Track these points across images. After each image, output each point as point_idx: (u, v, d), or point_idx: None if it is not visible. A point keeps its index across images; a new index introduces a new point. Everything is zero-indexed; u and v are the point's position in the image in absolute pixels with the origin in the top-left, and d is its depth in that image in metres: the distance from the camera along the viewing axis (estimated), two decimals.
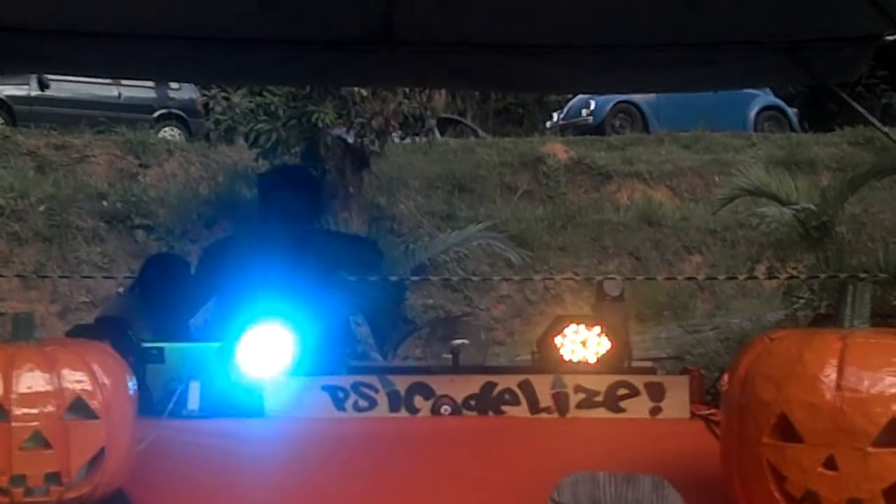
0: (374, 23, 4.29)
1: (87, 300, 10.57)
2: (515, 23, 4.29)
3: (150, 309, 4.80)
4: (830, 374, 2.29)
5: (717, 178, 13.18)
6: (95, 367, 2.48)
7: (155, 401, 2.84)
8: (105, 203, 12.20)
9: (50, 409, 2.39)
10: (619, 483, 2.50)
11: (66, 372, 2.44)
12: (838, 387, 2.28)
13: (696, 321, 10.34)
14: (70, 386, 2.43)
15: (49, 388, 2.41)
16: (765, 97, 17.13)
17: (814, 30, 4.44)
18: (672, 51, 4.67)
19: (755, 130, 16.68)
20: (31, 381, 2.40)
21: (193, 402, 2.82)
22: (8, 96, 15.22)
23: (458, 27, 4.40)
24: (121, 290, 7.69)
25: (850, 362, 2.29)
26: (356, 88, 10.37)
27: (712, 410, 2.86)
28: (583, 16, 4.22)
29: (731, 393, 2.48)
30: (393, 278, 7.85)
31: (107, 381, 2.48)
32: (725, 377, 2.55)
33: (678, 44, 4.62)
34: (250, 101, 11.06)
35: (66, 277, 10.35)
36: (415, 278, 8.64)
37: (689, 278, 10.83)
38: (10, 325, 2.61)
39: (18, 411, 2.37)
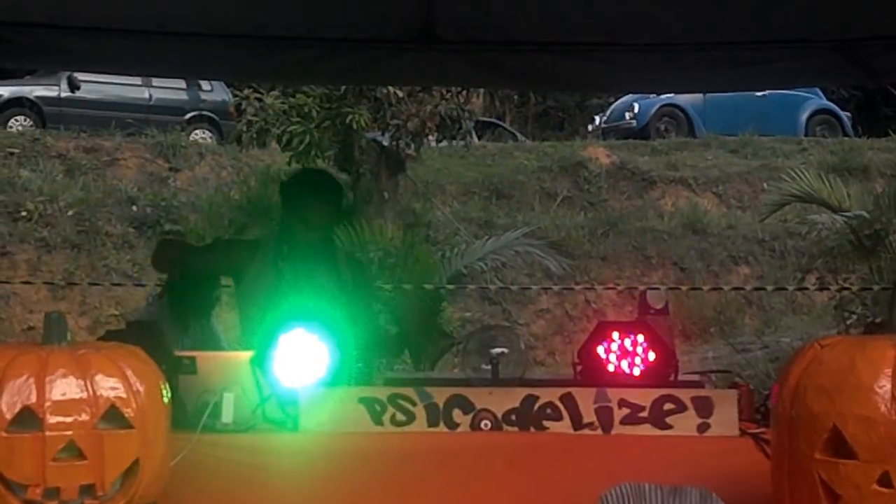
0: (413, 19, 4.24)
1: (116, 313, 10.46)
2: (557, 20, 4.21)
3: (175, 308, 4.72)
4: (885, 385, 2.21)
5: (765, 185, 12.91)
6: (129, 373, 2.41)
7: (189, 413, 2.79)
8: (135, 208, 12.13)
9: (84, 417, 2.32)
10: (666, 495, 2.46)
11: (99, 378, 2.37)
12: (893, 398, 2.19)
13: (744, 339, 10.13)
14: (104, 393, 2.36)
15: (83, 395, 2.34)
16: (817, 101, 16.79)
17: (867, 27, 4.29)
18: (717, 49, 4.56)
19: (806, 135, 16.35)
20: (65, 387, 2.33)
21: (227, 415, 2.77)
22: (38, 97, 15.28)
23: (499, 25, 4.33)
24: (149, 299, 7.62)
25: None
26: (392, 89, 10.25)
27: (763, 430, 2.77)
28: (626, 13, 4.14)
29: (782, 404, 2.40)
30: (428, 286, 7.76)
31: (141, 389, 2.41)
32: (776, 389, 2.47)
33: (723, 42, 4.52)
34: (283, 103, 10.91)
35: (95, 284, 10.30)
36: (450, 287, 8.53)
37: (735, 289, 10.60)
38: (42, 326, 2.54)
39: (52, 420, 2.30)
